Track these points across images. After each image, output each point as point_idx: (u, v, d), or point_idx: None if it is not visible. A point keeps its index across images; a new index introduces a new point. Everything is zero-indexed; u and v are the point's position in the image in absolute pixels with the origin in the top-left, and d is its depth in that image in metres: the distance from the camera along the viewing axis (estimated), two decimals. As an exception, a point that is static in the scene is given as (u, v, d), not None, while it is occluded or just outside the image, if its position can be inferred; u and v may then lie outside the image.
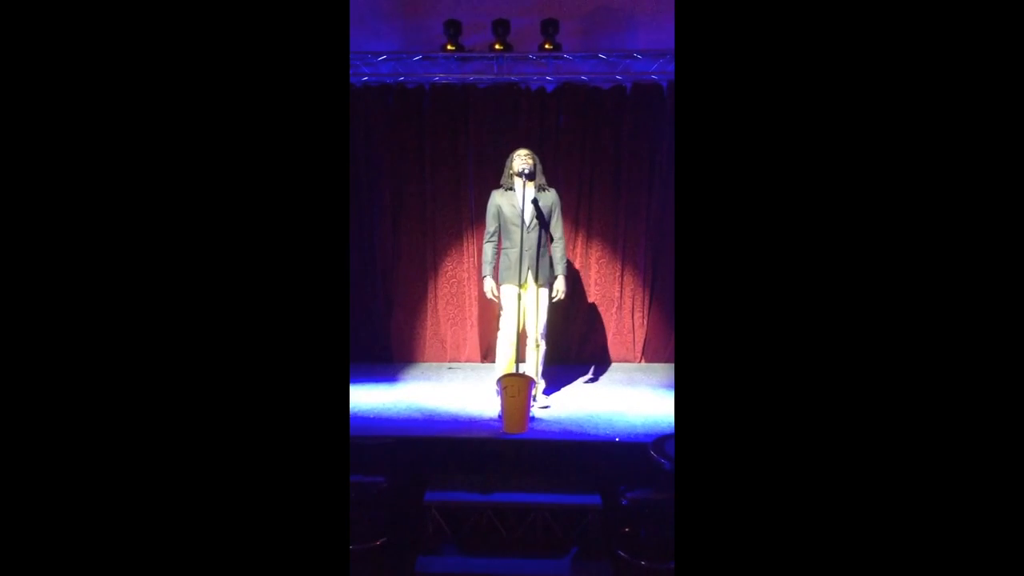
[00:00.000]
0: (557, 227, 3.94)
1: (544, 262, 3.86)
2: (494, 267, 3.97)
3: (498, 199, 3.94)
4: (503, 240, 3.95)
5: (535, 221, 3.82)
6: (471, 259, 5.10)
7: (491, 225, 3.96)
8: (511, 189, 3.91)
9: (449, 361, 5.19)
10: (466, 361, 5.17)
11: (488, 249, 3.96)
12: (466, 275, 5.13)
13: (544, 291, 3.88)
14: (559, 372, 4.69)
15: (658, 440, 3.02)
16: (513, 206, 3.86)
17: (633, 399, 4.18)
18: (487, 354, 4.78)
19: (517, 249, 3.80)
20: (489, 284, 3.94)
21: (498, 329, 3.94)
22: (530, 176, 3.83)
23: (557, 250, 3.95)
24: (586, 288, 5.17)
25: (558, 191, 4.04)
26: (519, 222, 3.81)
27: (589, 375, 4.82)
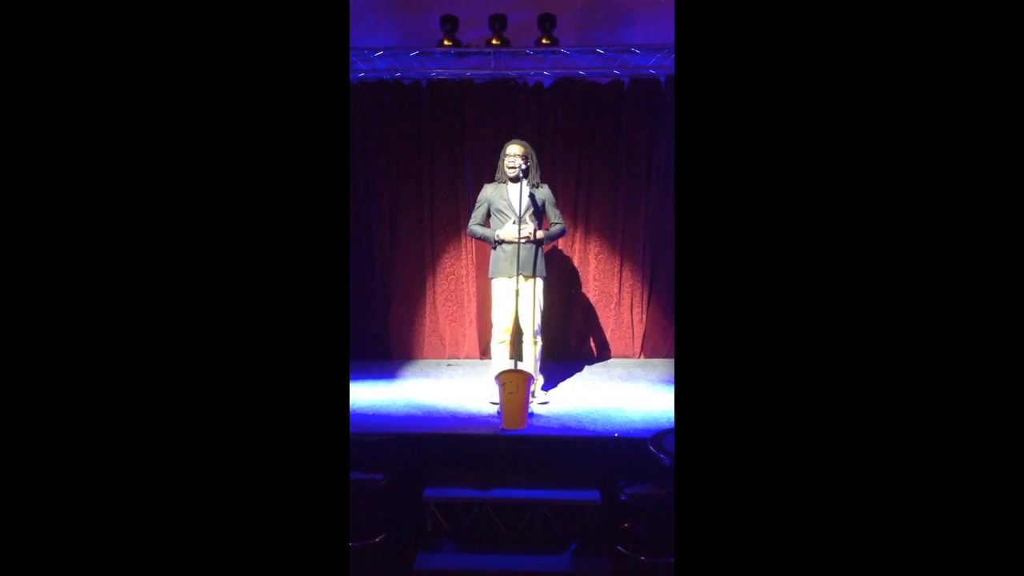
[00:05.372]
0: (554, 216, 3.92)
1: (539, 255, 3.84)
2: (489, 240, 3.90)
3: (489, 192, 3.91)
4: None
5: (530, 212, 3.80)
6: (469, 255, 5.09)
7: (477, 213, 3.91)
8: (503, 184, 3.89)
9: (448, 358, 5.19)
10: (465, 358, 5.17)
11: (477, 228, 3.90)
12: (464, 271, 5.12)
13: (540, 285, 3.87)
14: (558, 368, 4.69)
15: (657, 435, 3.02)
16: (503, 198, 3.85)
17: (632, 395, 4.18)
18: (486, 350, 4.76)
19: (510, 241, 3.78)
20: (507, 229, 3.77)
21: (492, 325, 3.93)
22: (524, 175, 3.81)
23: (555, 228, 3.91)
24: (584, 284, 5.16)
25: (556, 186, 4.01)
26: (511, 214, 3.79)
27: (587, 371, 4.82)
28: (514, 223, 3.76)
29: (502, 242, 3.80)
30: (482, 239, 3.94)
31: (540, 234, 3.80)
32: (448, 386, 4.43)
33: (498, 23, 4.63)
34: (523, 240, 3.72)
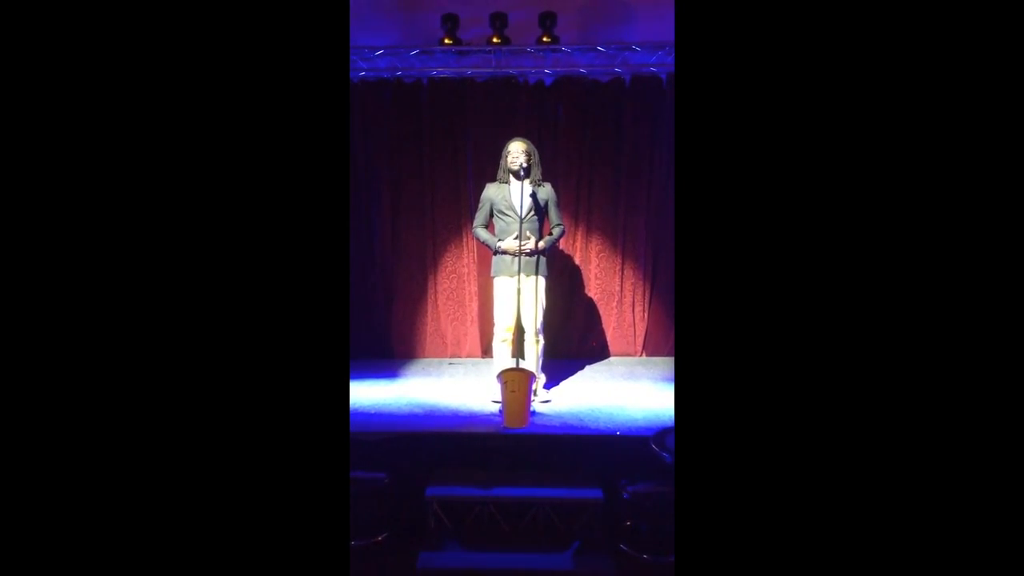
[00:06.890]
0: (555, 217, 3.94)
1: (541, 255, 3.85)
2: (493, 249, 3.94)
3: (491, 192, 3.92)
4: (497, 233, 3.94)
5: (532, 212, 3.81)
6: (471, 254, 5.09)
7: (481, 214, 3.95)
8: (506, 183, 3.89)
9: (450, 356, 5.19)
10: (467, 356, 5.17)
11: (481, 231, 3.95)
12: (466, 270, 5.12)
13: (542, 284, 3.87)
14: (559, 366, 4.68)
15: (659, 433, 3.02)
16: (505, 198, 3.85)
17: (634, 393, 4.18)
18: (488, 349, 4.77)
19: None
20: (507, 243, 3.80)
21: (494, 324, 3.94)
22: (526, 173, 3.81)
23: (555, 232, 3.95)
24: (586, 282, 5.16)
25: (557, 185, 4.01)
26: (513, 214, 3.80)
27: (589, 369, 4.82)
28: (516, 232, 3.76)
29: (504, 252, 3.82)
30: (484, 244, 3.96)
31: (541, 244, 3.84)
32: (450, 385, 4.43)
33: (499, 21, 4.62)
34: (524, 253, 3.74)
